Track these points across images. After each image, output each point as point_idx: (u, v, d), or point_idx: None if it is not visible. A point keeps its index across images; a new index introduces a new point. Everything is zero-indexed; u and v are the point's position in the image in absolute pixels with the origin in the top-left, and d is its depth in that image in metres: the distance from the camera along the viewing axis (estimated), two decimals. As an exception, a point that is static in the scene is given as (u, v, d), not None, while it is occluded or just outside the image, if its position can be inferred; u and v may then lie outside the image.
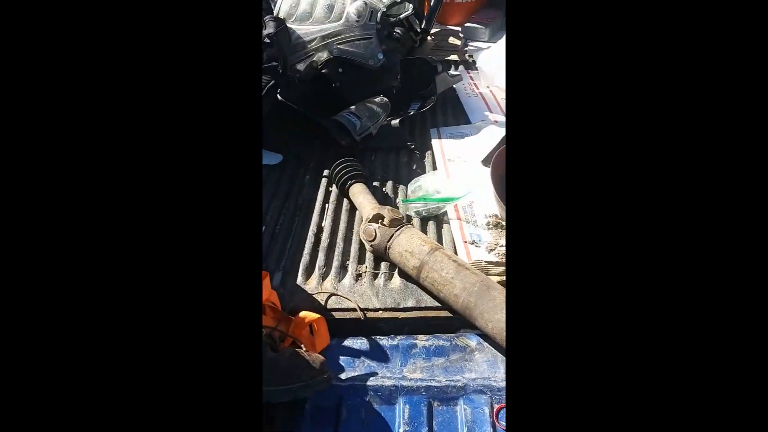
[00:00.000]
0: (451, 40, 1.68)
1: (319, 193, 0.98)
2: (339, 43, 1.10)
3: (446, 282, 0.69)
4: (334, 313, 0.74)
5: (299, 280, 0.79)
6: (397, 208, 0.93)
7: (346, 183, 0.91)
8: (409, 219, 0.88)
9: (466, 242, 0.83)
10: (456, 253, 0.81)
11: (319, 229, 0.89)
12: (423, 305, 0.74)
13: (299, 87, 1.10)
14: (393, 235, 0.76)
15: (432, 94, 1.19)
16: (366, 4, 1.10)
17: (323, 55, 1.11)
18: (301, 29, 1.10)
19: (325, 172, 1.03)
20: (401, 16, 1.20)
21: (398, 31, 1.29)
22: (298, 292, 0.77)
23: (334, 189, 0.98)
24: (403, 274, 0.78)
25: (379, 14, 1.11)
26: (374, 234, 0.78)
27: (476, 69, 1.45)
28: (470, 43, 1.65)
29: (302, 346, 0.66)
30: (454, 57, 1.57)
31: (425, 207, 0.89)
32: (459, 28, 1.71)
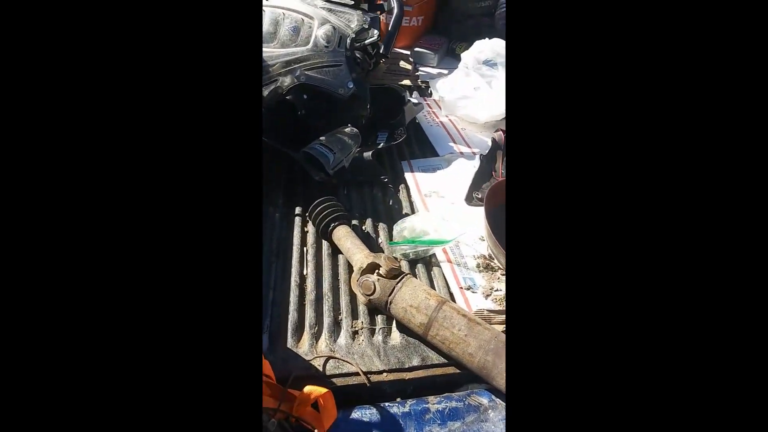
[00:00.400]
0: (402, 63, 1.66)
1: (294, 234, 0.89)
2: (306, 69, 1.02)
3: (459, 340, 0.65)
4: (334, 380, 0.67)
5: (290, 342, 0.71)
6: (383, 249, 0.88)
7: (328, 225, 0.84)
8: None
9: (461, 288, 0.80)
10: (454, 300, 0.77)
11: (302, 279, 0.81)
12: (429, 363, 0.70)
13: (264, 115, 1.00)
14: (394, 288, 0.71)
15: (401, 125, 1.15)
16: (335, 28, 1.04)
17: (287, 80, 1.03)
18: (264, 51, 1.01)
19: (297, 210, 0.94)
20: (366, 42, 1.15)
21: (358, 55, 1.24)
22: (291, 358, 0.68)
23: (310, 228, 0.90)
24: (402, 328, 0.73)
25: (348, 40, 1.05)
26: (373, 287, 0.72)
27: (430, 95, 1.45)
28: (420, 68, 1.65)
29: (312, 428, 0.58)
30: (407, 82, 1.55)
31: (413, 249, 0.85)
32: (407, 52, 1.70)
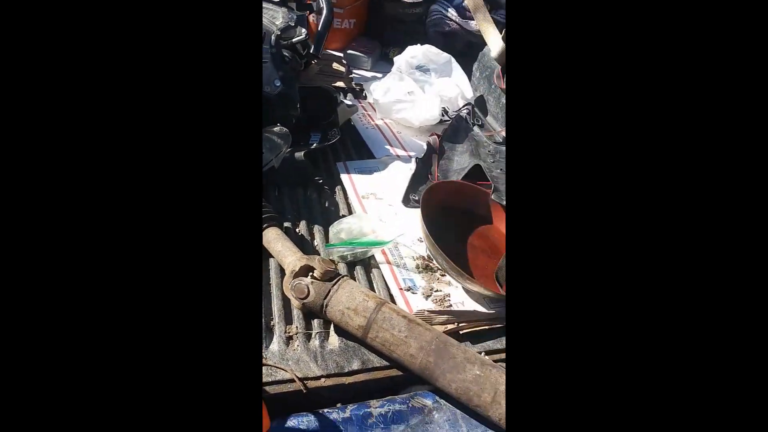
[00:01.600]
0: (335, 65, 1.64)
1: (223, 238, 0.83)
2: (234, 65, 0.97)
3: (400, 342, 0.63)
4: (267, 387, 0.62)
5: (218, 353, 0.65)
6: (319, 252, 0.84)
7: (259, 228, 0.79)
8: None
9: (401, 289, 0.78)
10: (394, 302, 0.75)
11: (231, 285, 0.75)
12: (369, 366, 0.67)
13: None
14: (330, 291, 0.68)
15: (334, 126, 1.12)
16: (262, 24, 1.00)
17: (212, 77, 0.97)
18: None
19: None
20: (293, 40, 1.11)
21: (287, 54, 1.20)
22: (220, 369, 0.63)
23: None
24: (341, 332, 0.70)
25: (273, 37, 1.01)
26: (307, 291, 0.68)
27: (364, 97, 1.44)
28: (353, 70, 1.64)
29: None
30: (340, 84, 1.53)
31: (351, 252, 0.82)
32: (341, 54, 1.69)
